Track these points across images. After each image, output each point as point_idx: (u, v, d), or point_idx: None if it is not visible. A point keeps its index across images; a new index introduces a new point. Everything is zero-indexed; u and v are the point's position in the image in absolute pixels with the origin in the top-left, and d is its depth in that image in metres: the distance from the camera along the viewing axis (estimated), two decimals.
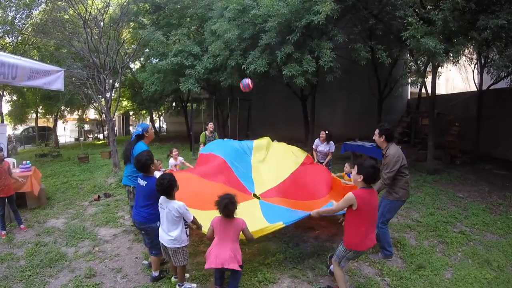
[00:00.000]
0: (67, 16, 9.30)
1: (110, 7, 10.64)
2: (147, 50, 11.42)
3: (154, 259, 3.47)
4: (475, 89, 9.56)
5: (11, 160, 6.79)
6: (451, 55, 5.89)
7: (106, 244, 4.46)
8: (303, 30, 7.03)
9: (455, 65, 7.61)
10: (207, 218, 3.23)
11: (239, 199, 3.09)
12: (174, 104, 19.43)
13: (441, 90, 20.83)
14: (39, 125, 21.84)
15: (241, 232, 3.06)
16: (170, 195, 3.09)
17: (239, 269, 2.96)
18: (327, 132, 6.19)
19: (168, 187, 3.03)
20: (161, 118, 28.60)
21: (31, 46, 13.46)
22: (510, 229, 4.81)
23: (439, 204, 5.83)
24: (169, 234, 3.09)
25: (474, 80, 9.23)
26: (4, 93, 15.25)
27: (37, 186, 6.03)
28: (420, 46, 5.67)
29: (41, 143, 13.86)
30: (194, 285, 3.38)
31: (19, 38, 13.37)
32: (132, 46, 12.40)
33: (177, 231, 3.08)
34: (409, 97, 15.69)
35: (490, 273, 3.61)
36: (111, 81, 9.83)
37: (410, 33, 5.80)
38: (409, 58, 6.85)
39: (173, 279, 3.45)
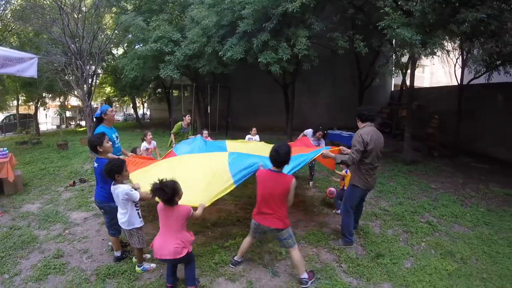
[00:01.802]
0: (46, 2, 9.04)
1: None
2: (130, 36, 11.19)
3: (113, 239, 3.57)
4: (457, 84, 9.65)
5: None
6: (429, 47, 5.89)
7: (77, 227, 4.60)
8: (279, 18, 6.95)
9: (433, 57, 7.60)
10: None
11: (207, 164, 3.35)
12: (158, 90, 19.25)
13: (425, 83, 21.05)
14: (20, 112, 21.49)
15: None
16: (116, 180, 3.14)
17: (184, 254, 2.81)
18: (325, 131, 6.23)
19: (109, 171, 3.08)
20: (145, 104, 28.33)
21: (10, 32, 13.15)
22: (479, 222, 4.79)
23: (409, 194, 5.89)
24: (121, 215, 3.21)
25: (455, 75, 9.29)
26: None
27: (12, 173, 6.00)
28: (396, 37, 5.65)
29: (21, 131, 13.67)
30: (153, 265, 3.46)
31: None
32: (115, 32, 12.12)
33: (127, 214, 3.17)
34: (392, 89, 15.80)
35: (452, 264, 3.59)
36: (91, 67, 9.62)
37: (386, 23, 5.77)
38: (388, 49, 6.82)
39: (134, 259, 3.52)
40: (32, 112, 21.43)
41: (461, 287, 3.21)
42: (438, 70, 17.36)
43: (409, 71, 8.52)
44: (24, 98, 18.65)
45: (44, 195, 6.06)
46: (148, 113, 29.57)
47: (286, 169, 3.24)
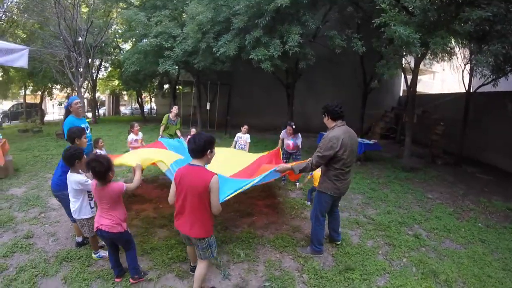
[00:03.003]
0: None
1: None
2: (137, 31, 11.28)
3: (75, 225, 3.64)
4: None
5: None
6: (430, 47, 5.50)
7: (52, 211, 4.78)
8: (272, 14, 6.74)
9: (443, 63, 7.16)
10: None
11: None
12: (165, 86, 19.36)
13: (435, 90, 20.32)
14: (28, 101, 22.09)
15: None
16: (73, 167, 3.13)
17: (123, 229, 2.85)
18: (293, 127, 5.97)
19: (70, 157, 3.08)
20: (152, 99, 28.63)
21: (15, 24, 13.61)
22: (473, 239, 4.32)
23: (401, 203, 5.49)
24: (73, 204, 3.22)
25: (463, 82, 8.80)
26: None
27: (2, 158, 6.21)
28: (393, 35, 5.30)
29: (26, 119, 14.04)
30: (106, 252, 3.46)
31: (3, 17, 13.54)
32: (117, 27, 12.29)
33: (78, 203, 3.19)
34: (401, 94, 15.20)
35: (433, 287, 3.16)
36: (91, 59, 9.75)
37: (382, 20, 5.42)
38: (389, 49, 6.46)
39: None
40: (38, 101, 22.03)
41: None
42: (449, 77, 16.66)
43: (418, 76, 8.12)
44: (31, 88, 19.13)
45: (32, 180, 6.22)
46: (155, 107, 29.88)
47: (222, 195, 2.93)
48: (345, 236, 4.14)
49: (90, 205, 3.27)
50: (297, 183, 6.14)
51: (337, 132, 3.26)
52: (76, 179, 3.08)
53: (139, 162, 3.30)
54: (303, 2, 6.38)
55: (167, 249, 3.64)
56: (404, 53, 6.44)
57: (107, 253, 3.32)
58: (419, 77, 7.75)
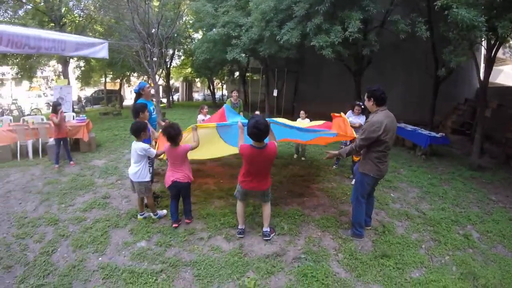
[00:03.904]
0: None
1: None
2: (206, 21, 11.99)
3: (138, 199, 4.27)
4: None
5: (70, 114, 8.73)
6: (499, 31, 4.91)
7: (127, 180, 5.39)
8: (332, 0, 6.65)
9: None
10: None
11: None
12: (236, 73, 20.07)
13: None
14: (108, 88, 24.72)
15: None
16: (138, 137, 3.78)
17: (191, 180, 3.78)
18: (362, 106, 6.02)
19: (136, 129, 3.77)
20: (224, 86, 29.81)
21: (93, 21, 15.47)
22: None
23: (460, 202, 5.17)
24: (133, 168, 3.84)
25: None
26: (71, 60, 17.58)
27: (87, 135, 7.44)
28: (456, 18, 4.89)
29: (106, 104, 15.99)
30: (164, 211, 4.19)
31: (82, 13, 15.56)
32: (186, 18, 13.17)
33: (139, 167, 3.81)
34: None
35: None
36: (164, 49, 10.74)
37: (444, 2, 5.03)
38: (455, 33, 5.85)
39: (139, 216, 4.15)
40: (117, 88, 24.69)
41: None
42: None
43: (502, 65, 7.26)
44: (111, 76, 21.46)
45: (111, 154, 7.33)
46: (226, 94, 31.35)
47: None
48: (390, 225, 4.15)
49: (149, 170, 3.91)
50: (334, 166, 6.58)
51: (380, 117, 3.35)
52: (141, 146, 3.73)
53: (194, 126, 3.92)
54: None
55: (220, 216, 4.15)
56: (475, 39, 5.80)
57: (164, 212, 4.18)
58: (500, 67, 6.89)
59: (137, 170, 3.82)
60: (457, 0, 4.94)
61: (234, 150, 4.20)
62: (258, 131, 3.15)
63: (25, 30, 6.59)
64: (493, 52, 6.28)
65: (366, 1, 6.73)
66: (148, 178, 3.89)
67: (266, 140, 3.34)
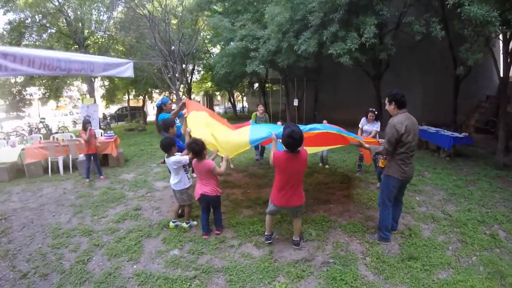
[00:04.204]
0: (142, 12, 10.69)
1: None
2: (224, 35, 12.35)
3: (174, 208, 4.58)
4: None
5: (98, 131, 9.17)
6: None
7: (157, 192, 5.87)
8: (345, 7, 6.77)
9: None
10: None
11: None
12: (255, 84, 20.37)
13: None
14: (131, 105, 25.73)
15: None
16: (168, 152, 4.02)
17: (219, 193, 3.93)
18: (375, 112, 6.18)
19: (167, 145, 3.99)
20: (244, 98, 30.17)
21: (115, 41, 16.22)
22: None
23: (486, 202, 5.10)
24: (174, 179, 4.11)
25: None
26: (96, 80, 18.40)
27: (115, 150, 7.79)
28: (469, 15, 4.90)
29: (130, 120, 16.61)
30: (195, 222, 4.37)
31: (105, 35, 16.29)
32: (204, 33, 13.63)
33: (178, 178, 4.09)
34: None
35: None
36: (185, 65, 11.15)
37: (455, 1, 5.04)
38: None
39: (171, 223, 4.39)
40: (141, 104, 25.53)
41: None
42: None
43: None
44: (134, 93, 22.24)
45: (139, 168, 7.62)
46: (247, 106, 31.72)
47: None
48: (416, 228, 4.18)
49: (187, 177, 4.16)
50: (357, 173, 6.55)
51: (401, 118, 3.47)
52: (173, 159, 3.96)
53: (228, 154, 4.10)
54: None
55: (249, 224, 4.31)
56: (490, 34, 5.75)
57: (194, 222, 4.33)
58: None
59: (177, 181, 4.09)
60: None
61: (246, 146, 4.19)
62: (293, 141, 3.18)
63: (56, 53, 7.06)
64: (511, 46, 6.20)
65: (379, 5, 6.82)
66: (188, 185, 4.16)
67: None
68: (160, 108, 5.23)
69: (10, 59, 5.76)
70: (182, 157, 3.98)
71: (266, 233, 3.83)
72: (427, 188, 5.79)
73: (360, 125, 6.40)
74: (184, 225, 4.28)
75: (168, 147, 3.98)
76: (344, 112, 13.77)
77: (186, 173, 4.16)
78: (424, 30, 6.80)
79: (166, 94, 20.92)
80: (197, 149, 3.73)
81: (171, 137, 4.22)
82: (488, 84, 12.36)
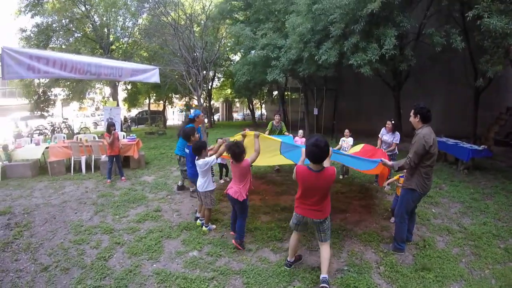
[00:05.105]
0: (167, 19, 11.04)
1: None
2: (245, 43, 12.59)
3: (199, 204, 4.75)
4: None
5: (121, 133, 9.48)
6: None
7: (177, 195, 6.04)
8: (366, 18, 6.87)
9: None
10: None
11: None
12: (274, 92, 20.67)
13: None
14: (152, 109, 26.37)
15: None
16: (198, 155, 4.22)
17: (242, 199, 3.84)
18: (393, 122, 6.22)
19: (198, 148, 4.22)
20: (263, 105, 30.44)
21: (139, 47, 16.71)
22: None
23: (502, 216, 5.07)
24: (200, 181, 4.28)
25: None
26: (119, 84, 18.86)
27: (137, 153, 8.08)
28: (488, 27, 4.93)
29: (151, 124, 17.08)
30: (213, 226, 4.55)
31: (129, 40, 16.82)
32: (226, 42, 13.94)
33: (204, 179, 4.27)
34: None
35: None
36: (207, 72, 11.45)
37: (475, 13, 5.09)
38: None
39: (198, 221, 4.66)
40: (161, 109, 26.11)
41: None
42: None
43: None
44: (154, 97, 22.75)
45: (160, 171, 7.87)
46: (265, 113, 31.96)
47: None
48: (431, 240, 4.21)
49: (212, 180, 4.32)
50: (386, 187, 6.26)
51: (427, 130, 3.54)
52: (201, 162, 4.16)
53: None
54: (395, 3, 6.37)
55: (267, 229, 4.44)
56: (510, 46, 5.74)
57: (213, 226, 4.54)
58: None
59: (203, 182, 4.27)
60: (488, 9, 4.99)
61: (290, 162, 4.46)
62: (318, 150, 2.92)
63: (86, 58, 7.46)
64: None
65: (400, 17, 6.89)
66: (212, 187, 4.33)
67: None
68: (192, 120, 5.42)
69: (43, 62, 6.17)
70: (208, 158, 4.18)
71: (288, 258, 3.56)
72: (443, 200, 5.78)
73: (380, 135, 6.46)
74: (204, 228, 4.45)
75: (200, 149, 4.20)
76: (364, 122, 13.79)
77: (213, 176, 4.36)
78: (445, 42, 6.82)
79: (186, 100, 21.37)
80: (237, 152, 3.78)
81: (202, 141, 4.50)
82: (510, 96, 12.11)
